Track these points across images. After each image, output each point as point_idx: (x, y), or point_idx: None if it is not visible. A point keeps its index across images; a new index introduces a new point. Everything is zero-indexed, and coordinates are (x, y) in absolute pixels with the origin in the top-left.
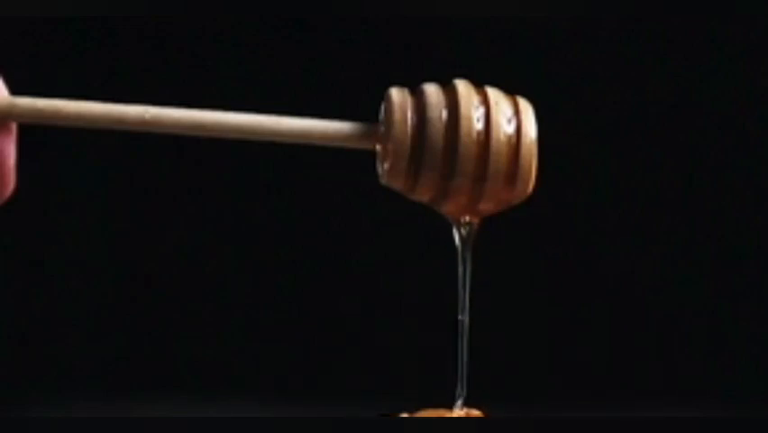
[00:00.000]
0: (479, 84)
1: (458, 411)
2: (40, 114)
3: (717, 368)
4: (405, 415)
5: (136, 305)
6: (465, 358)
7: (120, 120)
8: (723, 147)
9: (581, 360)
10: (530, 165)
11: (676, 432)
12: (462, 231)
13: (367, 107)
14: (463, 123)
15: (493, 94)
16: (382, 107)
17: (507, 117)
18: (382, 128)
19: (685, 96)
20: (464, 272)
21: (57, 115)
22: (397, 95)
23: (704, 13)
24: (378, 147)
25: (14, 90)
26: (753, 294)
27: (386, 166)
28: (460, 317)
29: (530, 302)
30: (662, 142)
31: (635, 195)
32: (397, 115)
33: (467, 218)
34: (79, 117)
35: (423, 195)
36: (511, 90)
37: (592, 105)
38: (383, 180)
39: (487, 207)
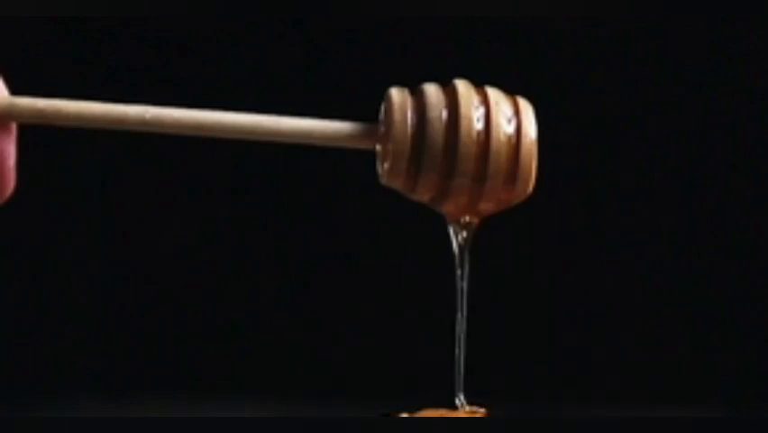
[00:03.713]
0: (479, 84)
1: (462, 411)
2: (40, 114)
3: (718, 368)
4: (405, 415)
5: (136, 305)
6: (462, 350)
7: (120, 120)
8: (723, 147)
9: (581, 359)
10: (530, 165)
11: (676, 432)
12: (460, 234)
13: (367, 107)
14: (463, 122)
15: (493, 94)
16: (382, 107)
17: (507, 117)
18: (382, 128)
19: (685, 96)
20: (462, 273)
21: (57, 115)
22: (396, 95)
23: (704, 14)
24: (378, 147)
25: (14, 90)
26: (753, 294)
27: (386, 166)
28: (458, 317)
29: (530, 301)
30: (663, 142)
31: (635, 195)
32: (397, 115)
33: (467, 218)
34: (79, 117)
35: (423, 195)
36: (511, 90)
37: (592, 105)
38: (383, 180)
39: (487, 206)
